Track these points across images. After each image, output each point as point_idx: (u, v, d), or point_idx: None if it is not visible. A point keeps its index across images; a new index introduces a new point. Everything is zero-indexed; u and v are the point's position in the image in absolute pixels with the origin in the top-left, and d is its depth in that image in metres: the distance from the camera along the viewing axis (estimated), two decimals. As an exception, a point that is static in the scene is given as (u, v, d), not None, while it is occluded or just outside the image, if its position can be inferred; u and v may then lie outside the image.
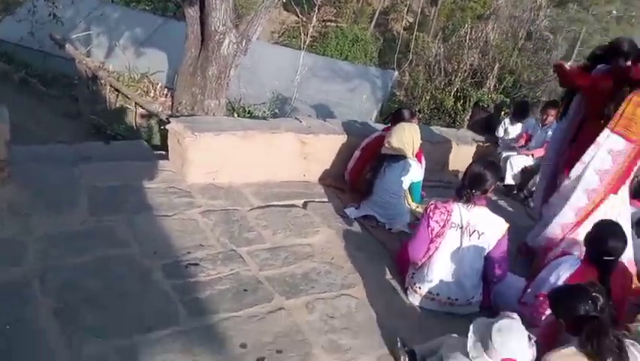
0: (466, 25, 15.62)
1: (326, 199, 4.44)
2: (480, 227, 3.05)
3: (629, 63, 3.52)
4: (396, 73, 12.53)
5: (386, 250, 3.87)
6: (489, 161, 3.38)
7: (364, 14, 23.53)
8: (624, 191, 3.80)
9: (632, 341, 2.34)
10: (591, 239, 2.95)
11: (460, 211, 3.07)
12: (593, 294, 2.34)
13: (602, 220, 3.17)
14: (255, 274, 3.22)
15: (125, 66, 8.06)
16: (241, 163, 4.32)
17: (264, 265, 3.34)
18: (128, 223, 3.34)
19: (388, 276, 3.57)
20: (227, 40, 6.59)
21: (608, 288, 2.83)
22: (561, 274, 2.90)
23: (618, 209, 3.73)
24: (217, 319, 2.76)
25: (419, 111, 9.87)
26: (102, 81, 7.81)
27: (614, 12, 28.98)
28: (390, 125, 4.50)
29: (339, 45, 17.51)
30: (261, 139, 4.40)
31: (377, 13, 23.55)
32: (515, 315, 2.41)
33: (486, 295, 3.29)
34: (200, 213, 3.73)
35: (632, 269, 3.48)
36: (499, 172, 3.21)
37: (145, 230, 3.34)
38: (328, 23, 18.46)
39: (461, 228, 3.07)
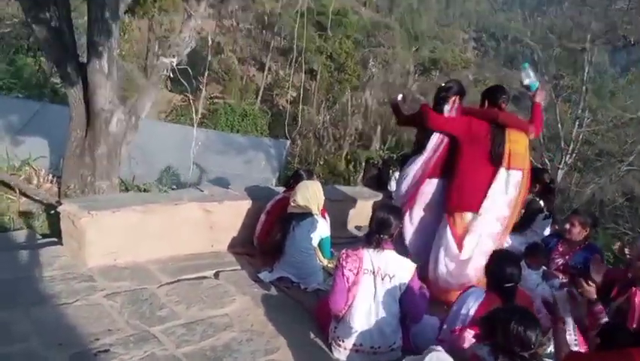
0: (347, 93, 16.66)
1: (238, 267, 4.35)
2: (390, 270, 3.15)
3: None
4: (289, 142, 12.91)
5: (304, 310, 3.85)
6: (392, 205, 3.56)
7: (249, 90, 24.32)
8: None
9: None
10: (490, 268, 3.17)
11: (370, 257, 3.17)
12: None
13: (496, 250, 3.42)
14: (173, 353, 3.04)
15: (2, 156, 7.48)
16: (144, 239, 4.13)
17: (181, 342, 3.16)
18: (26, 316, 3.03)
19: (310, 335, 3.53)
20: (116, 117, 6.46)
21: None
22: (470, 306, 3.06)
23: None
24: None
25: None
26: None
27: (470, 76, 32.74)
28: (292, 186, 4.60)
29: (229, 120, 17.79)
30: (163, 212, 4.27)
31: (261, 89, 24.45)
32: (439, 347, 2.48)
33: (406, 339, 3.35)
34: (104, 297, 3.48)
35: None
36: (402, 216, 3.39)
37: (45, 321, 3.04)
38: (216, 100, 18.73)
39: (373, 273, 3.15)
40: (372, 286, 3.16)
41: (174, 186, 8.48)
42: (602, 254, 4.18)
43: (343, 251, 3.24)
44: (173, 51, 6.80)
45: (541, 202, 4.71)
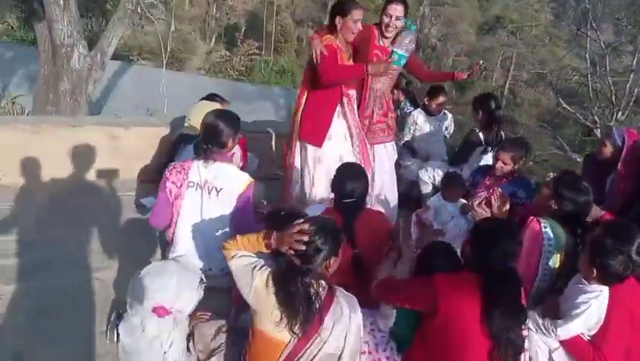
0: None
1: (130, 193, 4.07)
2: (218, 183, 2.72)
3: None
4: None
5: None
6: (223, 110, 3.06)
7: (306, 52, 23.86)
8: None
9: None
10: (333, 181, 2.69)
11: (199, 170, 2.75)
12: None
13: (345, 163, 2.91)
14: None
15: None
16: (31, 161, 3.94)
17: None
18: None
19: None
20: (76, 53, 6.31)
21: (351, 233, 2.55)
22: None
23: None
24: None
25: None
26: None
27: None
28: None
29: (264, 75, 17.53)
30: (57, 134, 4.05)
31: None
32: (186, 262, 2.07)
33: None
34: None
35: None
36: (236, 122, 2.90)
37: None
38: (253, 57, 18.46)
39: (201, 187, 2.74)
40: (199, 201, 2.74)
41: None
42: (530, 186, 3.51)
43: (172, 164, 2.85)
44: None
45: (481, 134, 4.08)
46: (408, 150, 4.52)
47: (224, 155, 2.79)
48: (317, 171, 3.40)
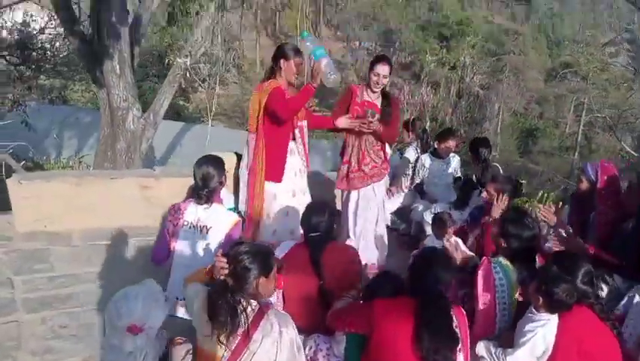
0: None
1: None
2: (209, 222, 3.04)
3: None
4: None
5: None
6: (207, 156, 3.37)
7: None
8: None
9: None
10: (301, 217, 2.94)
11: (195, 210, 3.09)
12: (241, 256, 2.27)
13: (312, 201, 3.14)
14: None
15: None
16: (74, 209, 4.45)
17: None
18: None
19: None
20: (131, 115, 7.04)
21: (318, 265, 2.75)
22: (278, 254, 2.85)
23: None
24: None
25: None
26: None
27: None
28: None
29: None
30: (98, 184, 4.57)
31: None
32: (150, 284, 2.37)
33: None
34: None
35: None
36: (222, 163, 3.24)
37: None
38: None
39: (194, 226, 3.07)
40: (192, 239, 3.07)
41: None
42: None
43: (172, 204, 3.21)
44: (186, 52, 7.25)
45: (474, 177, 4.22)
46: (417, 193, 4.68)
47: (217, 195, 3.12)
48: (272, 206, 3.66)
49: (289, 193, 3.69)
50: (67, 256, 3.94)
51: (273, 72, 3.79)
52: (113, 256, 4.03)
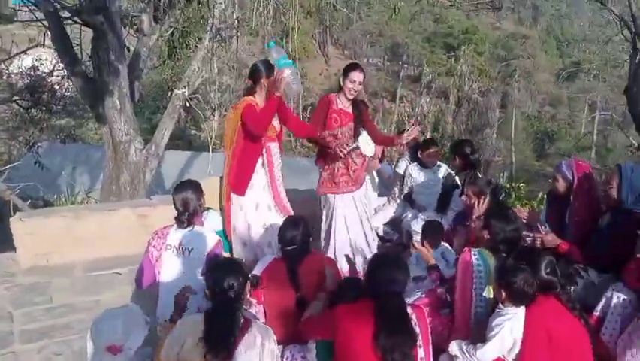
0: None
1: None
2: (191, 244, 3.14)
3: None
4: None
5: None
6: (185, 182, 3.48)
7: (386, 122, 24.86)
8: None
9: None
10: (278, 233, 3.02)
11: (177, 234, 3.19)
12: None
13: (288, 216, 3.20)
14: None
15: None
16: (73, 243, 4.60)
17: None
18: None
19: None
20: (133, 148, 7.24)
21: (295, 278, 2.83)
22: (257, 269, 2.95)
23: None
24: None
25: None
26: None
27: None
28: None
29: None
30: (95, 217, 4.72)
31: (394, 118, 24.80)
32: (132, 306, 2.45)
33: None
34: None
35: None
36: (199, 186, 3.36)
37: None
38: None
39: (177, 249, 3.16)
40: (175, 262, 3.17)
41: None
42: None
43: (155, 230, 3.32)
44: (184, 82, 7.46)
45: (457, 178, 4.22)
46: (407, 202, 4.71)
47: (199, 217, 3.22)
48: (239, 217, 3.76)
49: (252, 205, 3.82)
50: (66, 287, 4.06)
51: (250, 91, 3.93)
52: (110, 284, 4.14)
